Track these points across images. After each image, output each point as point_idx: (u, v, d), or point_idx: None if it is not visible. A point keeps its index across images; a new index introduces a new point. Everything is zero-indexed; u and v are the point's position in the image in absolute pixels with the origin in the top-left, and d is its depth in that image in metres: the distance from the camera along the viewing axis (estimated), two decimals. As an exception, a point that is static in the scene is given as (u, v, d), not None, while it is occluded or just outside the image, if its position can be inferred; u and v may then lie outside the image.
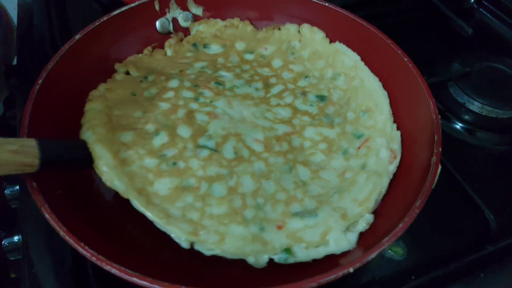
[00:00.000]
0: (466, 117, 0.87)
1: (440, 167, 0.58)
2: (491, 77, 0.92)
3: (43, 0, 1.02)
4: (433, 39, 1.06)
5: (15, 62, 0.99)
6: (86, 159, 0.58)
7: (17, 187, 0.73)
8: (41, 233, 0.62)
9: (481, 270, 0.63)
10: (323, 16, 0.84)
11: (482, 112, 0.86)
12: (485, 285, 0.62)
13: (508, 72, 0.93)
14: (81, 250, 0.47)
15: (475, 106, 0.87)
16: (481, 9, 1.15)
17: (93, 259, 0.47)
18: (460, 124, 0.86)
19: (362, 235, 0.59)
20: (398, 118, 0.71)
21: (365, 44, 0.79)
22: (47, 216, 0.50)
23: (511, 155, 0.82)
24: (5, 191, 0.77)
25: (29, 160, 0.50)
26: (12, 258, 0.70)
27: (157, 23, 0.84)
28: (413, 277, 0.61)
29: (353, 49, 0.81)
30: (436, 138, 0.61)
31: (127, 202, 0.58)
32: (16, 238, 0.69)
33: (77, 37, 0.72)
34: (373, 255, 0.49)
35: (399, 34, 0.77)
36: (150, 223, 0.57)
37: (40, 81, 0.63)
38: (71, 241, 0.48)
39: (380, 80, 0.76)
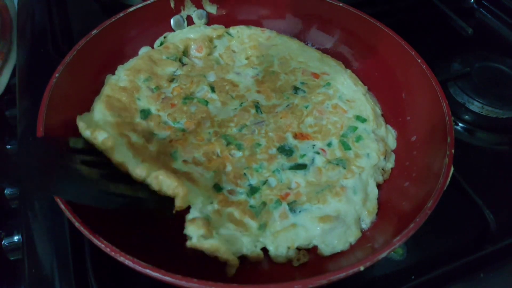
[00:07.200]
0: (466, 117, 0.87)
1: (452, 169, 0.58)
2: (491, 77, 0.92)
3: (44, 0, 1.02)
4: (433, 39, 1.06)
5: (15, 61, 0.99)
6: None
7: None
8: (41, 233, 0.62)
9: (481, 270, 0.63)
10: (334, 15, 0.85)
11: (482, 112, 0.86)
12: (485, 285, 0.62)
13: (508, 72, 0.93)
14: (95, 241, 0.48)
15: (475, 106, 0.87)
16: (481, 9, 1.14)
17: (107, 250, 0.47)
18: (460, 124, 0.86)
19: (371, 234, 0.60)
20: (414, 120, 0.72)
21: (376, 42, 0.81)
22: (62, 206, 0.50)
23: (511, 155, 0.82)
24: (5, 191, 0.77)
25: None
26: (12, 258, 0.70)
27: (172, 21, 0.85)
28: (413, 277, 0.61)
29: (365, 47, 0.82)
30: (449, 139, 0.61)
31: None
32: (16, 238, 0.69)
33: (94, 32, 0.72)
34: (383, 254, 0.49)
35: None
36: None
37: (57, 75, 0.64)
38: (86, 232, 0.48)
39: (390, 79, 0.77)
